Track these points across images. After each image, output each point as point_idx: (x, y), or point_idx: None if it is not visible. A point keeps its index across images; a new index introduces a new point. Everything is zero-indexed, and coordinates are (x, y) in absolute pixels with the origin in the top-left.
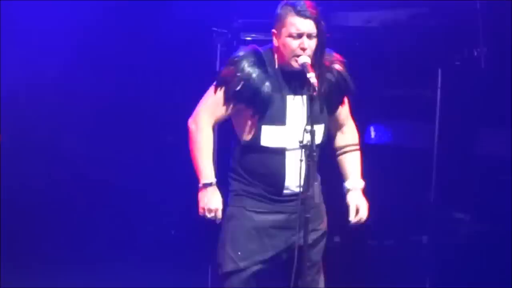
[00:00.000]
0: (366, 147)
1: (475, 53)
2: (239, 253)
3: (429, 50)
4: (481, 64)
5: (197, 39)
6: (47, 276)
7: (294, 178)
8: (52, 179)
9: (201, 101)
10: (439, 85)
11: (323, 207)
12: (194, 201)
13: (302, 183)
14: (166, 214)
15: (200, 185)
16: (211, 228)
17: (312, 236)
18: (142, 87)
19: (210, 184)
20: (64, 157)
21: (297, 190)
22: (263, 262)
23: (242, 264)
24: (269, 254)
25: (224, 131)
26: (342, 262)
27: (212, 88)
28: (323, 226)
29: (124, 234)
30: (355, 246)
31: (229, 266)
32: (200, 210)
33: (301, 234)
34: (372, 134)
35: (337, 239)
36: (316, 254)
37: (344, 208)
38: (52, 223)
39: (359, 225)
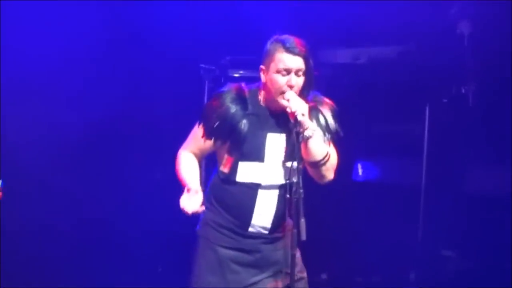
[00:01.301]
0: (353, 184)
1: (463, 91)
2: (199, 284)
3: (417, 87)
4: (469, 102)
5: (185, 76)
6: None
7: (262, 217)
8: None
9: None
10: (426, 122)
11: (298, 254)
12: (180, 239)
13: (279, 218)
14: (154, 251)
15: (186, 187)
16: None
17: (284, 281)
18: (130, 124)
19: (189, 189)
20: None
21: (264, 231)
22: None
23: None
24: None
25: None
26: None
27: (197, 123)
28: (298, 271)
29: (112, 271)
30: (342, 283)
31: None
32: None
33: (273, 271)
34: (360, 170)
35: (324, 276)
36: None
37: (331, 246)
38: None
39: (346, 262)
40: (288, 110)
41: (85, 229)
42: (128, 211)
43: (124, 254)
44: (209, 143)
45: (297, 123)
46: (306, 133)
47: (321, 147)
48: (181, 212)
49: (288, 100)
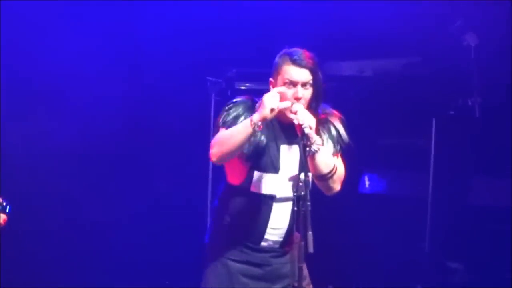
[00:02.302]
0: (360, 196)
1: (469, 103)
2: None
3: (423, 99)
4: (475, 114)
5: (191, 88)
6: None
7: (275, 231)
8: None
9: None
10: (433, 134)
11: (304, 267)
12: (187, 253)
13: (290, 232)
14: (162, 264)
15: (255, 119)
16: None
17: None
18: (136, 135)
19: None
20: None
21: (275, 246)
22: None
23: None
24: None
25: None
26: None
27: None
28: (306, 284)
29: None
30: None
31: None
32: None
33: (282, 285)
34: (367, 183)
35: (331, 287)
36: None
37: (338, 258)
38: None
39: (353, 274)
40: (295, 122)
41: (92, 234)
42: (138, 223)
43: (128, 261)
44: None
45: (304, 136)
46: (313, 147)
47: (328, 161)
48: (187, 222)
49: (295, 113)
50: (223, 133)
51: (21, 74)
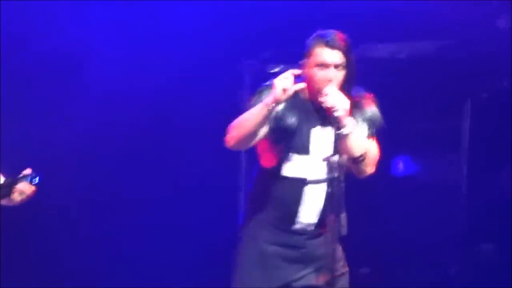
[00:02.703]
0: (394, 180)
1: (504, 84)
2: (242, 280)
3: (457, 82)
4: (510, 95)
5: (225, 70)
6: None
7: (308, 213)
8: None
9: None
10: (468, 116)
11: (340, 249)
12: (221, 237)
13: (324, 214)
14: (196, 247)
15: (268, 101)
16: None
17: (327, 276)
18: (170, 116)
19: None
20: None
21: (309, 228)
22: None
23: None
24: (275, 284)
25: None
26: None
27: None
28: (341, 267)
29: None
30: (383, 277)
31: None
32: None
33: (316, 267)
34: (400, 166)
35: (365, 270)
36: None
37: (372, 240)
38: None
39: (387, 257)
40: (326, 104)
41: (128, 217)
42: (167, 204)
43: (164, 242)
44: None
45: (335, 119)
46: (345, 130)
47: (360, 143)
48: (221, 205)
49: (326, 95)
50: (239, 117)
51: (37, 70)
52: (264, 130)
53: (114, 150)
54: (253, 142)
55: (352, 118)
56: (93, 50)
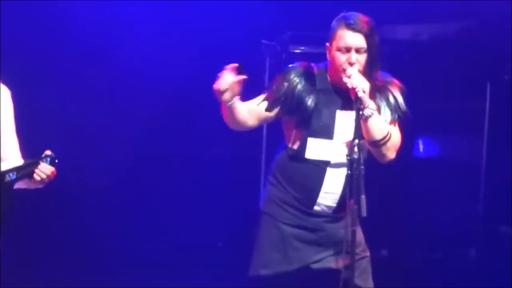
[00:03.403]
0: (415, 160)
1: None
2: (261, 260)
3: (477, 64)
4: None
5: (246, 51)
6: None
7: (328, 196)
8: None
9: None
10: (487, 98)
11: (360, 233)
12: (241, 216)
13: (344, 198)
14: (214, 226)
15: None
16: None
17: (347, 259)
18: (188, 98)
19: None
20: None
21: (328, 210)
22: (287, 273)
23: (262, 272)
24: (294, 266)
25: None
26: (390, 275)
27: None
28: (360, 251)
29: (171, 246)
30: (402, 259)
31: (252, 270)
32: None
33: (336, 251)
34: (421, 147)
35: (384, 252)
36: (358, 276)
37: (392, 222)
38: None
39: (407, 239)
40: (348, 86)
41: (153, 202)
42: (190, 185)
43: (187, 222)
44: (270, 113)
45: (357, 100)
46: (366, 111)
47: (381, 127)
48: (242, 186)
49: (349, 77)
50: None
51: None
52: (265, 114)
53: (140, 136)
54: (247, 126)
55: (376, 104)
56: (115, 45)
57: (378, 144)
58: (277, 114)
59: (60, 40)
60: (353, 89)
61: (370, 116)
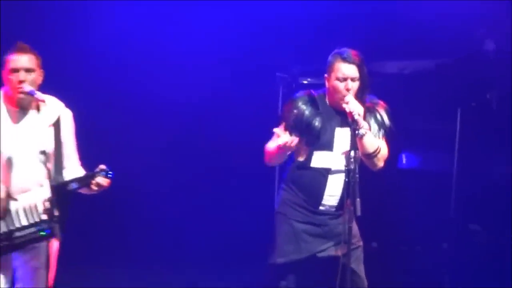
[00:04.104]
0: (399, 171)
1: (488, 96)
2: (278, 252)
3: (450, 93)
4: (493, 106)
5: (264, 82)
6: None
7: (330, 197)
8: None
9: None
10: (458, 120)
11: (355, 227)
12: (259, 215)
13: (343, 199)
14: (236, 225)
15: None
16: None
17: (344, 248)
18: (213, 122)
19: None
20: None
21: (331, 209)
22: (298, 261)
23: (278, 260)
24: (304, 255)
25: None
26: (379, 263)
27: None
28: (356, 241)
29: (201, 243)
30: (389, 250)
31: (270, 259)
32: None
33: (337, 242)
34: (404, 160)
35: (374, 244)
36: (353, 262)
37: (381, 220)
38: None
39: (393, 234)
40: (346, 110)
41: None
42: (216, 195)
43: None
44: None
45: (354, 121)
46: (361, 131)
47: (373, 142)
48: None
49: (347, 103)
50: (269, 146)
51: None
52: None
53: (177, 145)
54: (284, 159)
55: (366, 122)
56: (143, 54)
57: (371, 156)
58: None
59: (90, 42)
60: (350, 113)
61: (364, 134)
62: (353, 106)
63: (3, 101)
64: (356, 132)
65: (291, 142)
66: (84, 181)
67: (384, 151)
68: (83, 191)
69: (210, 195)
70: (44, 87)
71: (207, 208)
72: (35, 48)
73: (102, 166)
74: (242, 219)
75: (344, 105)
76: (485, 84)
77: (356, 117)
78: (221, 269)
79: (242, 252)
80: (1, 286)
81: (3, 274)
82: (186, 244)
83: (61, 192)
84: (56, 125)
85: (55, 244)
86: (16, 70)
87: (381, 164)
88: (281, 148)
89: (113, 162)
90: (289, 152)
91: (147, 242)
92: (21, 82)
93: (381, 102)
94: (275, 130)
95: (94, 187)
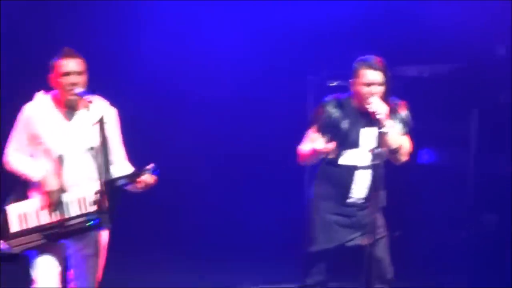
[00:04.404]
0: (419, 166)
1: (503, 97)
2: (312, 241)
3: (467, 94)
4: (507, 106)
5: (297, 84)
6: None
7: (358, 191)
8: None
9: None
10: (476, 120)
11: (381, 217)
12: (292, 209)
13: (370, 191)
14: (273, 217)
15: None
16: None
17: (371, 238)
18: (247, 122)
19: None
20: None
21: (359, 201)
22: (329, 250)
23: (311, 249)
24: (333, 244)
25: None
26: (402, 250)
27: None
28: (382, 231)
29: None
30: (411, 237)
31: (304, 248)
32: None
33: (364, 232)
34: (425, 156)
35: (397, 233)
36: (379, 250)
37: (404, 210)
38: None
39: (415, 223)
40: (371, 110)
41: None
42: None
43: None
44: (320, 136)
45: (377, 120)
46: (385, 129)
47: (396, 139)
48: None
49: (371, 103)
50: (303, 148)
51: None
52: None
53: (215, 144)
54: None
55: (390, 120)
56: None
57: (395, 152)
58: (322, 137)
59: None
60: (374, 112)
61: (387, 132)
62: (377, 106)
63: (53, 103)
64: (381, 130)
65: (327, 149)
66: (131, 178)
67: (407, 147)
68: (130, 188)
69: (243, 191)
70: (92, 87)
71: (240, 203)
72: (80, 50)
73: (149, 165)
74: (274, 214)
75: (368, 106)
76: (499, 86)
77: (379, 116)
78: (259, 264)
79: (275, 246)
80: (56, 273)
81: (57, 261)
82: (218, 239)
83: (110, 186)
84: (102, 122)
85: (105, 234)
86: (67, 74)
87: (404, 159)
88: (317, 152)
89: (154, 160)
90: (323, 155)
91: (183, 238)
92: (73, 84)
93: (403, 103)
94: (311, 135)
95: (141, 185)
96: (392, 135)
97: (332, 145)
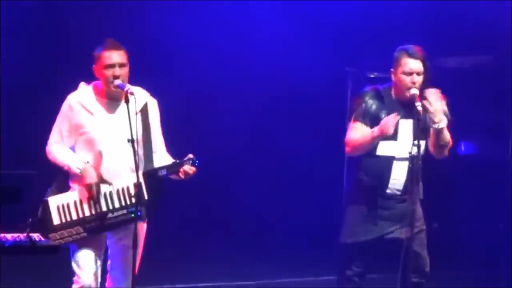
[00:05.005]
0: (458, 158)
1: None
2: (349, 233)
3: (505, 85)
4: None
5: (335, 75)
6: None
7: (397, 182)
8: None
9: None
10: None
11: (420, 210)
12: (330, 200)
13: (407, 183)
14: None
15: (376, 134)
16: None
17: (409, 231)
18: (296, 112)
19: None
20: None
21: (397, 192)
22: (366, 242)
23: (348, 240)
24: (371, 236)
25: None
26: (440, 243)
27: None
28: (420, 225)
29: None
30: (448, 230)
31: (341, 239)
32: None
33: (403, 224)
34: (463, 147)
35: (435, 225)
36: (417, 244)
37: (441, 202)
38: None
39: (451, 215)
40: (421, 108)
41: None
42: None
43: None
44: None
45: (417, 112)
46: (440, 124)
47: (447, 134)
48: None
49: (425, 100)
50: (353, 138)
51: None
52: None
53: (256, 138)
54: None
55: (444, 116)
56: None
57: (443, 147)
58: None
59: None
60: (425, 109)
61: (442, 128)
62: (433, 102)
63: (94, 94)
64: (435, 126)
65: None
66: (172, 169)
67: (450, 141)
68: (173, 177)
69: (283, 183)
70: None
71: (280, 196)
72: (123, 43)
73: (190, 155)
74: (312, 206)
75: (419, 107)
76: None
77: (419, 108)
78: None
79: (315, 240)
80: (96, 263)
81: (97, 251)
82: (256, 232)
83: (151, 177)
84: (143, 112)
85: (143, 226)
86: (111, 66)
87: (446, 153)
88: (378, 136)
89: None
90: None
91: (226, 234)
92: (116, 76)
93: (442, 95)
94: (357, 125)
95: (182, 175)
96: (445, 132)
97: (393, 120)
